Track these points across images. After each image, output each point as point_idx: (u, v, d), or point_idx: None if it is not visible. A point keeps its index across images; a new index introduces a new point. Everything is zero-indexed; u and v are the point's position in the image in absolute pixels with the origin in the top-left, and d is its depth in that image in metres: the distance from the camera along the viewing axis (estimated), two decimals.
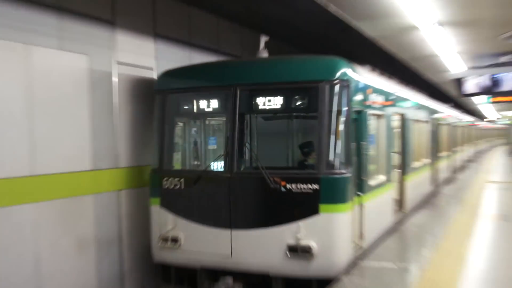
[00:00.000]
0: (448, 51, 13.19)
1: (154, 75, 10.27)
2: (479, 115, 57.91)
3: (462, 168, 29.55)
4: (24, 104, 7.75)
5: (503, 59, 13.92)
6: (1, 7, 7.41)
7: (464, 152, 32.17)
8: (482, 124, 58.75)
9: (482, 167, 31.16)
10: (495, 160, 39.56)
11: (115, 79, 9.46)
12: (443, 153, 20.94)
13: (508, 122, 50.96)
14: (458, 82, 14.39)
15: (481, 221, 12.30)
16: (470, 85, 14.31)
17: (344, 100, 8.14)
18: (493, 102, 25.94)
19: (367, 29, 10.63)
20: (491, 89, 14.01)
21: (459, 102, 31.63)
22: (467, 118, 35.19)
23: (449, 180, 22.36)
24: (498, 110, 48.49)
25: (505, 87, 13.74)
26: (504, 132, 62.60)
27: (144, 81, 10.12)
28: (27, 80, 7.80)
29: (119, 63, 9.54)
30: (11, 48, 7.55)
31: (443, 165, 20.83)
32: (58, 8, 8.34)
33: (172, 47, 10.98)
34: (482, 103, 30.13)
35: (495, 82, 13.77)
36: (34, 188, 7.88)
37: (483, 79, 13.98)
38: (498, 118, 67.55)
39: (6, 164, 7.44)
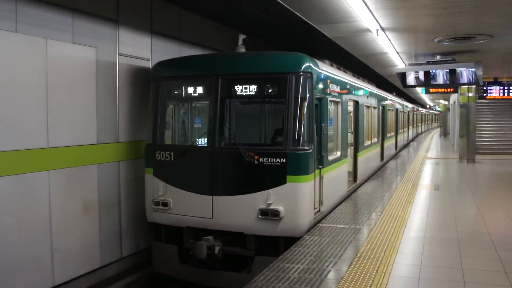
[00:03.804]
0: (391, 51, 13.34)
1: (150, 65, 10.24)
2: (421, 103, 58.46)
3: (405, 146, 29.87)
4: (42, 88, 7.75)
5: (437, 57, 14.14)
6: (26, 8, 7.41)
7: (407, 133, 32.50)
8: (422, 110, 59.30)
9: (421, 146, 31.52)
10: (432, 140, 40.04)
11: (117, 67, 9.42)
12: (390, 134, 21.14)
13: (441, 109, 51.77)
14: (402, 75, 14.55)
15: (418, 190, 12.52)
16: (411, 79, 14.50)
17: (307, 89, 8.22)
18: (428, 93, 26.29)
19: (327, 31, 10.71)
20: (427, 82, 14.25)
21: (405, 91, 31.85)
22: (410, 105, 35.46)
23: (394, 156, 22.61)
24: (434, 99, 49.06)
25: (438, 81, 14.02)
26: (439, 117, 63.27)
27: (141, 70, 10.07)
28: (45, 68, 7.77)
29: (121, 54, 9.50)
30: (33, 42, 7.54)
31: (390, 144, 21.05)
32: (73, 9, 8.33)
33: (165, 41, 10.91)
34: (421, 93, 30.45)
35: (430, 76, 14.01)
36: (48, 158, 7.87)
37: (420, 74, 14.19)
38: (434, 105, 68.39)
39: (26, 138, 7.47)
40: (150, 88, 9.35)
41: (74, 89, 8.42)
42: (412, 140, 38.09)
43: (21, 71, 7.39)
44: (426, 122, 69.42)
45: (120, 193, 9.61)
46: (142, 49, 10.19)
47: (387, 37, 11.35)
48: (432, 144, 33.82)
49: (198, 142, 9.36)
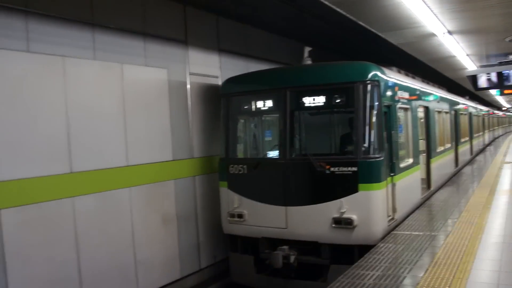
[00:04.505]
0: (460, 53, 13.13)
1: (219, 82, 10.62)
2: (497, 105, 56.44)
3: (481, 151, 28.95)
4: (120, 110, 8.23)
5: (510, 57, 13.79)
6: (102, 36, 7.93)
7: (483, 138, 31.48)
8: (498, 112, 57.16)
9: (499, 150, 30.43)
10: (510, 143, 38.51)
11: (188, 86, 9.84)
12: (464, 139, 20.62)
13: None
14: (473, 77, 14.24)
15: (496, 196, 12.17)
16: (483, 81, 14.16)
17: (375, 97, 8.26)
18: (503, 94, 25.36)
19: (392, 38, 10.74)
20: (501, 84, 13.87)
21: (478, 94, 30.96)
22: (484, 108, 34.37)
23: (469, 162, 22.00)
24: (510, 101, 47.22)
25: (511, 82, 13.62)
26: None
27: (211, 87, 10.46)
28: (122, 91, 8.26)
29: (191, 73, 9.91)
30: (110, 67, 8.06)
31: (464, 149, 20.52)
32: (144, 34, 8.79)
33: (233, 58, 11.29)
34: (495, 95, 29.44)
35: (504, 78, 13.62)
36: (128, 176, 8.33)
37: (493, 75, 13.83)
38: (511, 107, 65.64)
39: (109, 157, 7.98)
40: (220, 105, 9.68)
41: (149, 109, 8.88)
42: (489, 144, 36.81)
43: (101, 95, 7.90)
44: (503, 125, 66.82)
45: (197, 206, 9.99)
46: (211, 67, 10.58)
47: (455, 40, 11.22)
48: (510, 148, 32.56)
49: (269, 154, 9.59)
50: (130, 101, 8.42)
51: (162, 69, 9.20)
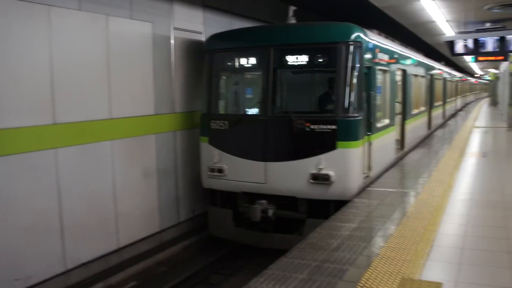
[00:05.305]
0: (440, 19, 13.27)
1: (203, 38, 10.59)
2: (470, 72, 57.04)
3: (453, 115, 29.49)
4: (104, 62, 8.19)
5: (487, 25, 13.99)
6: None
7: (456, 103, 31.98)
8: (471, 79, 57.84)
9: (470, 115, 31.03)
10: (481, 109, 39.24)
11: (172, 41, 9.81)
12: (438, 103, 20.97)
13: (490, 78, 50.18)
14: (451, 44, 14.46)
15: (466, 158, 12.57)
16: (459, 47, 14.41)
17: (357, 58, 8.39)
18: (478, 61, 25.73)
19: (376, 1, 10.79)
20: (476, 50, 14.14)
21: (454, 60, 31.27)
22: (458, 74, 34.78)
23: (442, 125, 22.46)
24: (483, 68, 47.79)
25: (487, 49, 13.89)
26: (488, 86, 61.60)
27: (195, 43, 10.44)
28: (106, 43, 8.21)
29: (176, 28, 9.87)
30: (95, 18, 7.98)
31: (437, 113, 20.91)
32: None
33: (217, 15, 11.21)
34: (470, 61, 29.81)
35: (480, 45, 13.89)
36: (111, 129, 8.37)
37: (469, 42, 14.09)
38: (482, 75, 66.43)
39: (92, 109, 7.98)
40: (204, 60, 9.67)
41: (133, 63, 8.86)
42: (460, 109, 37.46)
43: (85, 47, 7.84)
44: (475, 92, 67.74)
45: (177, 161, 10.09)
46: (195, 23, 10.52)
47: (437, 5, 11.33)
48: (480, 114, 33.21)
49: (251, 111, 9.69)
50: (115, 54, 8.38)
51: (147, 23, 9.13)
